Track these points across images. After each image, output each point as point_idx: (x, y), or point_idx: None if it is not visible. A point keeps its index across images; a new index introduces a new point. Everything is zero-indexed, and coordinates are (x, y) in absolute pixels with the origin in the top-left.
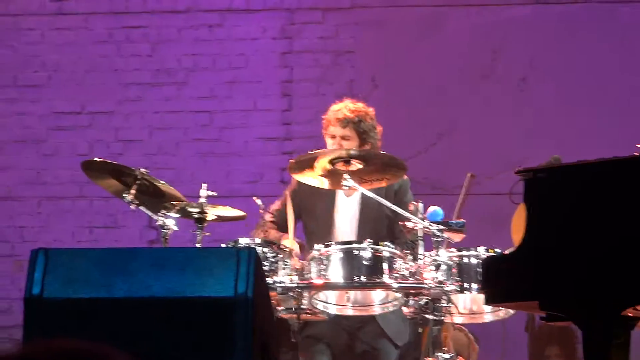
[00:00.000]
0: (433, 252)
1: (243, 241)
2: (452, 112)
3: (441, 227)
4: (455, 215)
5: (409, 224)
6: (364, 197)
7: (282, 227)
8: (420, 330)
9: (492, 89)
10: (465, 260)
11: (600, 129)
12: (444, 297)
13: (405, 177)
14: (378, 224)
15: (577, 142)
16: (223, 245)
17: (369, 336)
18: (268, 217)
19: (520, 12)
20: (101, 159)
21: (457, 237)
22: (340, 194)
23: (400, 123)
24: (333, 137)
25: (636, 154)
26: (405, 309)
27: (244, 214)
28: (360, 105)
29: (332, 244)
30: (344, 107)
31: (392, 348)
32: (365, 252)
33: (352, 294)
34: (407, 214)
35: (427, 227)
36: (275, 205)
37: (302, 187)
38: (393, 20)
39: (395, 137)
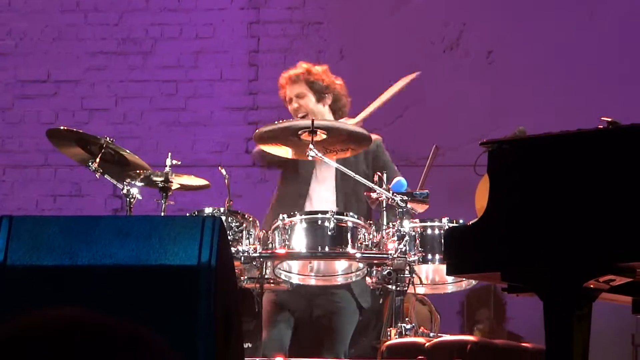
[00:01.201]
0: (397, 223)
1: (207, 211)
2: (419, 84)
3: (405, 197)
4: (419, 186)
5: (373, 195)
6: (338, 179)
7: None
8: (381, 301)
9: (460, 61)
10: (429, 231)
11: (568, 101)
12: (406, 267)
13: (377, 138)
14: (356, 204)
15: (544, 114)
16: (188, 214)
17: (325, 300)
18: None
19: None
20: (67, 128)
21: (420, 208)
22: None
23: (367, 94)
24: (290, 100)
25: (600, 126)
26: (368, 280)
27: (208, 183)
28: (312, 65)
29: (296, 214)
30: (294, 67)
31: (349, 315)
32: (329, 222)
33: (316, 263)
34: (371, 184)
35: (391, 198)
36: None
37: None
38: None
39: (362, 108)
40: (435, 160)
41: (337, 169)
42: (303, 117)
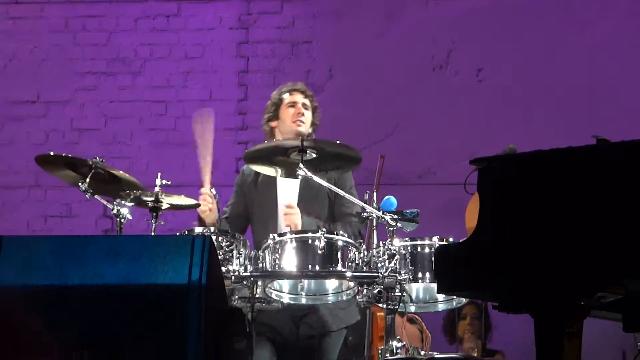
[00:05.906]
0: (387, 241)
1: (198, 230)
2: (409, 102)
3: (395, 216)
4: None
5: (364, 214)
6: (303, 179)
7: (234, 221)
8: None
9: (450, 79)
10: (419, 249)
11: (557, 118)
12: (397, 286)
13: None
14: (318, 204)
15: (534, 132)
16: (178, 234)
17: (314, 322)
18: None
19: (478, 4)
20: (54, 153)
21: (410, 227)
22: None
23: (357, 113)
24: (293, 104)
25: (590, 144)
26: (358, 298)
27: (198, 202)
28: None
29: (286, 233)
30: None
31: (336, 335)
32: (320, 241)
33: (306, 283)
34: (352, 198)
35: (381, 216)
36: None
37: (245, 177)
38: (351, 11)
39: (352, 126)
40: (382, 170)
41: (300, 185)
42: (298, 127)
